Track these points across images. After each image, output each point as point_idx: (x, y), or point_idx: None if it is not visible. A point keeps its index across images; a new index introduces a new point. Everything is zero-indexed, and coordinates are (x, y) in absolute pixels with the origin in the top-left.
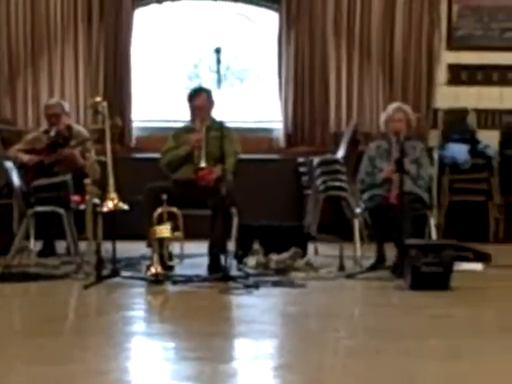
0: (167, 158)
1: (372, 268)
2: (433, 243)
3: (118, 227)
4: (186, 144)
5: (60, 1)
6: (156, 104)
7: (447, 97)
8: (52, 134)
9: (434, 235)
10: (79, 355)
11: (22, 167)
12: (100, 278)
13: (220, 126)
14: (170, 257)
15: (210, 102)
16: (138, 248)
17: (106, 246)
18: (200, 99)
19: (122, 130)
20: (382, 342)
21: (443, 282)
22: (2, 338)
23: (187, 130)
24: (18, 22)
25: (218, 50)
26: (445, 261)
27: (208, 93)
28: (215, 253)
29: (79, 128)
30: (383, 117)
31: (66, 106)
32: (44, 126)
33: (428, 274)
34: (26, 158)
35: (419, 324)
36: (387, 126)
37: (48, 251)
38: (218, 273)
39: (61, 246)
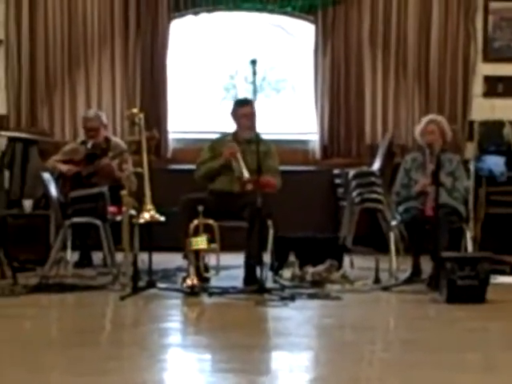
0: (202, 171)
1: (407, 281)
2: (469, 256)
3: (154, 238)
4: (220, 157)
5: (97, 13)
6: (192, 115)
7: (483, 109)
8: (89, 145)
9: (470, 248)
10: (115, 366)
11: (59, 177)
12: (136, 290)
13: (259, 140)
14: (206, 268)
15: (255, 114)
16: (173, 259)
17: (143, 258)
18: (249, 107)
19: (158, 142)
20: (417, 355)
21: (479, 295)
22: (39, 348)
23: (224, 141)
24: (56, 35)
25: (253, 62)
26: (481, 274)
27: (254, 105)
28: (251, 265)
29: (117, 140)
30: (417, 129)
31: (104, 117)
32: (81, 137)
33: (464, 287)
34: (64, 168)
35: (455, 337)
36: (421, 139)
37: (85, 262)
38: (253, 285)
39: (97, 257)
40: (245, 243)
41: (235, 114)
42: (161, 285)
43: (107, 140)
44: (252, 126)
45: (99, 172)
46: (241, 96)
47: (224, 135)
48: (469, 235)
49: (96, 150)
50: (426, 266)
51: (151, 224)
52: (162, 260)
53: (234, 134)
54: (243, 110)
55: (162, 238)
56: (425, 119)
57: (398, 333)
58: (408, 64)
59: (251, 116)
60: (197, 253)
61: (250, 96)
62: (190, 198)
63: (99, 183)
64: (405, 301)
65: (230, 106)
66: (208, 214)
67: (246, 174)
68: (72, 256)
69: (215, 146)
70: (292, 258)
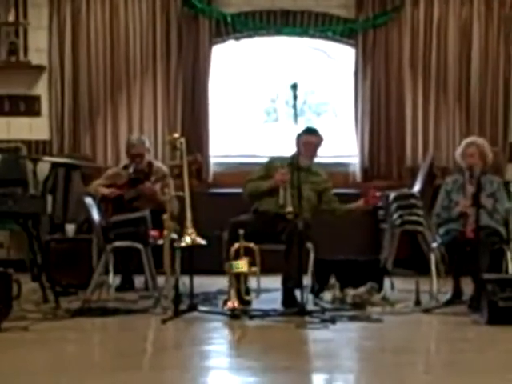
0: (248, 188)
1: (449, 302)
2: (510, 278)
3: (195, 262)
4: (270, 179)
5: (139, 38)
6: (233, 139)
7: None
8: (131, 170)
9: (511, 269)
10: None
11: (101, 201)
12: (178, 313)
13: (314, 169)
14: (247, 291)
15: (319, 145)
16: (214, 282)
17: (184, 281)
18: (315, 137)
19: (200, 166)
20: (458, 378)
21: None
22: (81, 371)
23: (280, 164)
24: (98, 60)
25: (294, 86)
26: None
27: (321, 138)
28: (289, 287)
29: (159, 164)
30: (458, 151)
31: (147, 142)
32: (123, 161)
33: (505, 309)
34: (106, 191)
35: (496, 359)
36: (462, 161)
37: (127, 286)
38: (292, 307)
39: (139, 280)
40: (283, 265)
41: (300, 140)
42: (202, 308)
43: (150, 164)
44: (312, 156)
45: (141, 196)
46: (280, 120)
47: (282, 159)
48: (510, 256)
49: (139, 175)
50: (467, 287)
51: (192, 247)
52: (203, 283)
53: (293, 158)
54: (309, 138)
55: (203, 261)
56: (464, 141)
57: (440, 355)
58: (448, 86)
59: (314, 146)
60: (238, 276)
61: (290, 120)
62: (237, 221)
63: (141, 207)
64: (446, 323)
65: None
66: (250, 236)
67: (289, 209)
68: (114, 280)
69: (270, 166)
70: (333, 280)
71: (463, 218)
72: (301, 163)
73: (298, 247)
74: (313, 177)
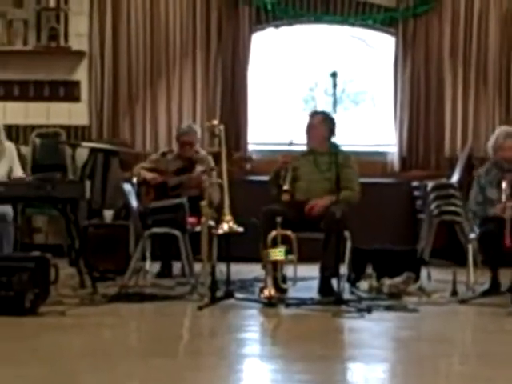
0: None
1: (485, 293)
2: None
3: (232, 249)
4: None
5: (179, 25)
6: (272, 127)
7: None
8: (169, 157)
9: None
10: (192, 376)
11: (142, 185)
12: (214, 300)
13: (337, 152)
14: (284, 279)
15: (325, 126)
16: (251, 270)
17: (221, 268)
18: (312, 120)
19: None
20: (494, 369)
21: None
22: (117, 357)
23: (303, 153)
24: (138, 47)
25: (334, 74)
26: None
27: (325, 116)
28: (326, 276)
29: (203, 153)
30: (491, 142)
31: (199, 132)
32: (162, 148)
33: None
34: (149, 175)
35: None
36: (496, 153)
37: (166, 272)
38: (328, 296)
39: (177, 267)
40: (321, 254)
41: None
42: (238, 295)
43: (196, 152)
44: (311, 137)
45: (187, 183)
46: (318, 108)
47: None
48: None
49: (181, 161)
50: (505, 278)
51: (230, 235)
52: (239, 270)
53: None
54: (308, 121)
55: (240, 249)
56: (501, 132)
57: (475, 346)
58: (488, 76)
59: (311, 128)
60: (274, 264)
61: (329, 108)
62: (270, 209)
63: (185, 194)
64: (482, 314)
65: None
66: (287, 224)
67: (286, 186)
68: (153, 266)
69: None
70: (369, 269)
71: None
72: (312, 149)
73: (337, 236)
74: (331, 158)
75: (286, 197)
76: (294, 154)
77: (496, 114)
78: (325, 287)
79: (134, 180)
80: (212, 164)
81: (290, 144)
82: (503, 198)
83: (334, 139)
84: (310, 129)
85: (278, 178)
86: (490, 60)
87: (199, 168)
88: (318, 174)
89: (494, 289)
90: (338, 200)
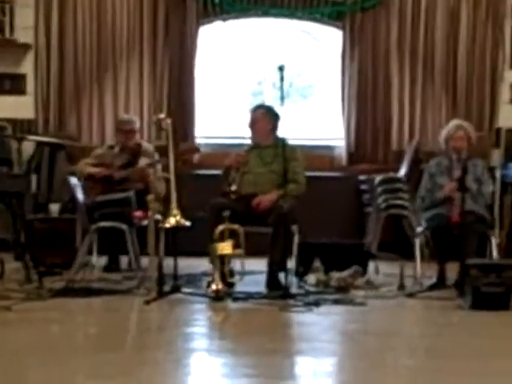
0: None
1: (432, 287)
2: (494, 263)
3: (180, 243)
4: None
5: (126, 18)
6: (219, 121)
7: (510, 116)
8: (116, 150)
9: (495, 255)
10: (139, 370)
11: (89, 180)
12: (161, 294)
13: (283, 145)
14: (231, 274)
15: (268, 119)
16: (199, 264)
17: (168, 262)
18: (256, 114)
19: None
20: (441, 362)
21: (504, 302)
22: (64, 352)
23: (252, 147)
24: (85, 39)
25: (281, 68)
26: (506, 281)
27: (268, 110)
28: (274, 270)
29: (147, 145)
30: (443, 134)
31: (138, 123)
32: (109, 141)
33: (489, 294)
34: (93, 170)
35: (479, 344)
36: (447, 144)
37: (113, 266)
38: (276, 290)
39: (123, 261)
40: (269, 248)
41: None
42: (186, 289)
43: (138, 145)
44: (255, 131)
45: (132, 177)
46: (264, 102)
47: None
48: (494, 242)
49: (126, 155)
50: (452, 272)
51: (177, 229)
52: (187, 265)
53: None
54: (250, 116)
55: (188, 243)
56: (452, 124)
57: (423, 339)
58: (435, 70)
59: (255, 122)
60: (222, 258)
61: (276, 102)
62: (216, 203)
63: (131, 188)
64: (429, 307)
65: None
66: (234, 218)
67: (233, 187)
68: (100, 260)
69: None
70: (317, 263)
71: (448, 201)
72: (257, 143)
73: (284, 230)
74: (276, 151)
75: (233, 197)
76: (243, 148)
77: (443, 109)
78: (272, 281)
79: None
80: (157, 157)
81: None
82: (454, 178)
83: (279, 132)
84: (254, 123)
85: (228, 174)
86: (437, 54)
87: (144, 161)
88: (263, 167)
89: (440, 282)
90: (285, 194)
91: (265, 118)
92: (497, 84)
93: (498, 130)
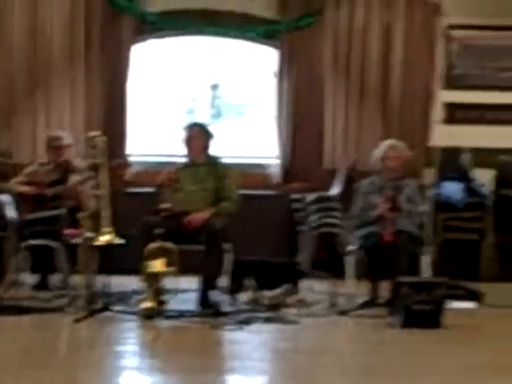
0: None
1: (364, 305)
2: (425, 281)
3: (113, 261)
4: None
5: (60, 34)
6: (154, 139)
7: (443, 135)
8: (50, 167)
9: (426, 273)
10: None
11: (20, 198)
12: (92, 312)
13: (216, 163)
14: (163, 292)
15: (203, 137)
16: (131, 282)
17: (99, 280)
18: (191, 132)
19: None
20: (373, 380)
21: (435, 320)
22: None
23: (185, 165)
24: (18, 56)
25: (214, 86)
26: (437, 299)
27: (203, 128)
28: (206, 288)
29: (78, 162)
30: (377, 153)
31: (69, 139)
32: (41, 158)
33: (420, 312)
34: (24, 188)
35: (410, 361)
36: (381, 163)
37: (44, 284)
38: (208, 308)
39: (54, 279)
40: (201, 266)
41: (183, 139)
42: (117, 307)
43: (68, 162)
44: (191, 149)
45: (64, 194)
46: (197, 120)
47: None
48: (425, 260)
49: (57, 172)
50: (384, 290)
51: (109, 247)
52: (119, 283)
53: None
54: (186, 133)
55: (121, 261)
56: (386, 144)
57: (354, 357)
58: (369, 90)
59: (191, 139)
60: (154, 276)
61: (210, 120)
62: (148, 221)
63: (63, 205)
64: (361, 325)
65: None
66: (167, 237)
67: (164, 206)
68: (30, 278)
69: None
70: (249, 281)
71: (381, 220)
72: (192, 160)
73: (216, 248)
74: (210, 169)
75: (164, 214)
76: (175, 166)
77: (376, 128)
78: (204, 299)
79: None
80: (87, 173)
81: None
82: (386, 196)
83: (213, 150)
84: (190, 140)
85: (159, 192)
86: (371, 74)
87: (74, 178)
88: (196, 185)
89: (372, 301)
90: (217, 212)
91: (200, 135)
92: (430, 103)
93: (431, 149)
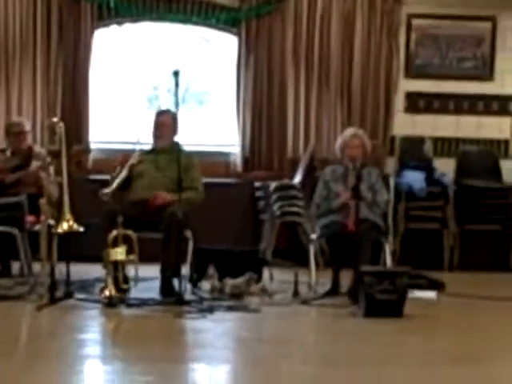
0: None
1: (326, 294)
2: (387, 270)
3: (73, 249)
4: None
5: (18, 21)
6: (115, 125)
7: (404, 124)
8: (8, 153)
9: (388, 262)
10: (30, 377)
11: None
12: (53, 300)
13: (180, 151)
14: (125, 280)
15: (174, 124)
16: (92, 270)
17: (61, 268)
18: (163, 117)
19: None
20: (335, 369)
21: (397, 310)
22: None
23: (148, 151)
24: None
25: (176, 73)
26: (399, 288)
27: (173, 114)
28: (167, 276)
29: (39, 148)
30: (339, 142)
31: (28, 125)
32: (0, 145)
33: (382, 301)
34: None
35: (372, 351)
36: (343, 152)
37: (5, 271)
38: (170, 296)
39: (15, 267)
40: (161, 254)
41: (153, 124)
42: (79, 295)
43: (30, 148)
44: (162, 135)
45: (23, 180)
46: (163, 107)
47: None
48: (388, 249)
49: (18, 158)
50: (346, 279)
51: (70, 234)
52: (81, 270)
53: (153, 144)
54: (157, 119)
55: (81, 249)
56: (348, 133)
57: (317, 346)
58: (330, 78)
59: (161, 125)
60: (115, 264)
61: (172, 107)
62: (111, 209)
63: (23, 191)
64: (323, 314)
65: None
66: (127, 224)
67: (106, 190)
68: None
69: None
70: (211, 270)
71: (344, 209)
72: (158, 146)
73: (177, 236)
74: (172, 157)
75: (104, 199)
76: (137, 152)
77: (338, 116)
78: (166, 288)
79: None
80: (48, 160)
81: (137, 143)
82: (349, 185)
83: (176, 138)
84: (161, 127)
85: (135, 179)
86: (333, 62)
87: (35, 164)
88: (158, 172)
89: (335, 290)
90: (179, 200)
91: (172, 122)
92: (391, 93)
93: (393, 138)
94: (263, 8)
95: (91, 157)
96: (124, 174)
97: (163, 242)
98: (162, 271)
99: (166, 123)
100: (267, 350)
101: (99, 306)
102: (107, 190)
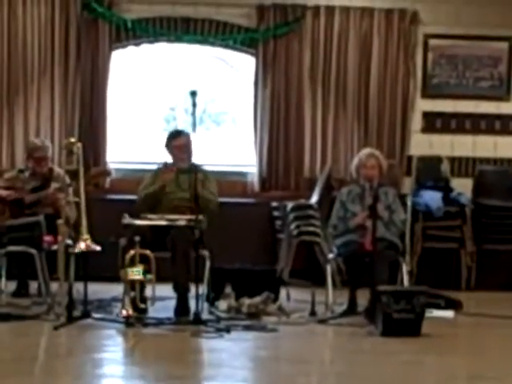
0: (143, 192)
1: (344, 314)
2: (405, 290)
3: (91, 268)
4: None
5: (37, 41)
6: (132, 146)
7: (421, 144)
8: (26, 174)
9: (406, 282)
10: None
11: None
12: (71, 320)
13: (196, 166)
14: (143, 299)
15: (191, 145)
16: (110, 289)
17: (78, 287)
18: (182, 139)
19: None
20: None
21: (414, 329)
22: None
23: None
24: None
25: (193, 93)
26: (416, 308)
27: (188, 136)
28: (182, 294)
29: (58, 170)
30: (355, 162)
31: (50, 148)
32: (19, 165)
33: (399, 321)
34: (4, 193)
35: (389, 370)
36: (359, 172)
37: (23, 291)
38: (184, 315)
39: (33, 286)
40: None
41: (168, 147)
42: (96, 315)
43: (50, 170)
44: (185, 157)
45: (43, 201)
46: (179, 128)
47: (166, 164)
48: (405, 269)
49: (37, 179)
50: (363, 299)
51: (87, 254)
52: (98, 290)
53: (172, 165)
54: (176, 141)
55: (98, 268)
56: (364, 153)
57: (333, 366)
58: (347, 99)
59: (184, 147)
60: (133, 283)
61: (189, 128)
62: (134, 228)
63: (41, 212)
64: (341, 334)
65: (164, 138)
66: (145, 244)
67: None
68: (9, 285)
69: (158, 173)
70: (228, 289)
71: (361, 229)
72: (181, 167)
73: (183, 253)
74: (187, 177)
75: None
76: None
77: (355, 136)
78: (181, 307)
79: None
80: (68, 181)
81: (166, 166)
82: (365, 205)
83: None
84: (184, 148)
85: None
86: (349, 82)
87: (54, 185)
88: (180, 192)
89: (351, 309)
90: (196, 219)
91: (191, 143)
92: (408, 112)
93: (410, 158)
94: (280, 29)
95: (111, 178)
96: (154, 189)
97: (171, 259)
98: (174, 289)
99: (187, 145)
100: (284, 369)
101: (117, 326)
102: (130, 221)
